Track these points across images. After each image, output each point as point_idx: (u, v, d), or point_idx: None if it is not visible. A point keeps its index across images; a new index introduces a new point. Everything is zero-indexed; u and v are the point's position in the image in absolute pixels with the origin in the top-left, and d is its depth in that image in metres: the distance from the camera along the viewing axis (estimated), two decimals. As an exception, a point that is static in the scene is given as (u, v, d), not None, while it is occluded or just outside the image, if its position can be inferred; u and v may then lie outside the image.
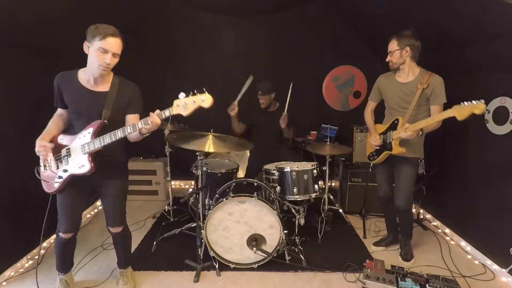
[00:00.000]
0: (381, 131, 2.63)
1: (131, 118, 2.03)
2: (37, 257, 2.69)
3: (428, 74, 2.39)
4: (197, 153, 2.56)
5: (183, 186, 4.51)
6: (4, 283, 2.40)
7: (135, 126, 1.86)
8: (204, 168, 2.86)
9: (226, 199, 2.48)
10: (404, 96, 2.47)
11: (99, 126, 1.92)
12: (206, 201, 2.75)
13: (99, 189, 2.12)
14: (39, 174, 2.01)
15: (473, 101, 2.04)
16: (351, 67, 4.24)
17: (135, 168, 3.97)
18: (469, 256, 2.80)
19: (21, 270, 2.56)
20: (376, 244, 2.93)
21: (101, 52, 1.82)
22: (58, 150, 1.97)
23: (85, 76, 1.95)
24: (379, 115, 2.75)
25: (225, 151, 2.80)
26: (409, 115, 2.44)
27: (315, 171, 2.85)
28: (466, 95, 2.80)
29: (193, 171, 2.76)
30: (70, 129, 2.06)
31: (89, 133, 1.91)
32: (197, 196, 2.60)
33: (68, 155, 1.95)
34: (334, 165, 3.80)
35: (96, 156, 1.93)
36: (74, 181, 1.98)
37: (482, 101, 2.02)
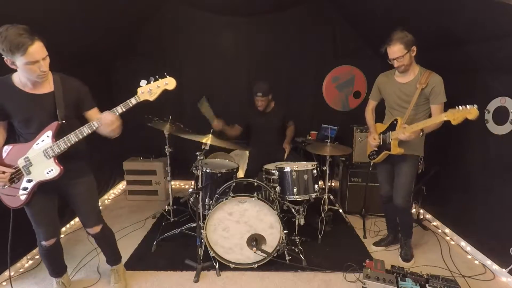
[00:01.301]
0: (381, 130, 2.63)
1: (92, 113, 1.99)
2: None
3: (427, 73, 2.37)
4: (197, 153, 2.56)
5: (183, 186, 4.51)
6: (4, 283, 2.39)
7: (100, 120, 1.81)
8: (204, 168, 2.86)
9: (226, 199, 2.48)
10: (404, 96, 2.46)
11: (57, 127, 1.83)
12: (206, 201, 2.75)
13: (67, 189, 2.01)
14: None
15: (467, 106, 2.02)
16: (351, 67, 4.24)
17: (135, 168, 3.98)
18: (469, 256, 2.80)
19: (21, 270, 2.56)
20: (376, 244, 2.93)
21: (32, 65, 1.67)
22: (9, 164, 1.85)
23: (21, 82, 1.81)
24: (379, 114, 2.75)
25: (225, 146, 2.81)
26: (408, 115, 2.43)
27: (315, 171, 2.85)
28: (466, 95, 2.82)
29: (193, 171, 2.76)
30: (15, 138, 1.92)
31: (48, 136, 1.82)
32: (197, 196, 2.60)
33: (28, 164, 1.85)
34: (334, 165, 3.79)
35: (58, 157, 1.85)
36: (39, 188, 1.89)
37: (475, 106, 2.00)
